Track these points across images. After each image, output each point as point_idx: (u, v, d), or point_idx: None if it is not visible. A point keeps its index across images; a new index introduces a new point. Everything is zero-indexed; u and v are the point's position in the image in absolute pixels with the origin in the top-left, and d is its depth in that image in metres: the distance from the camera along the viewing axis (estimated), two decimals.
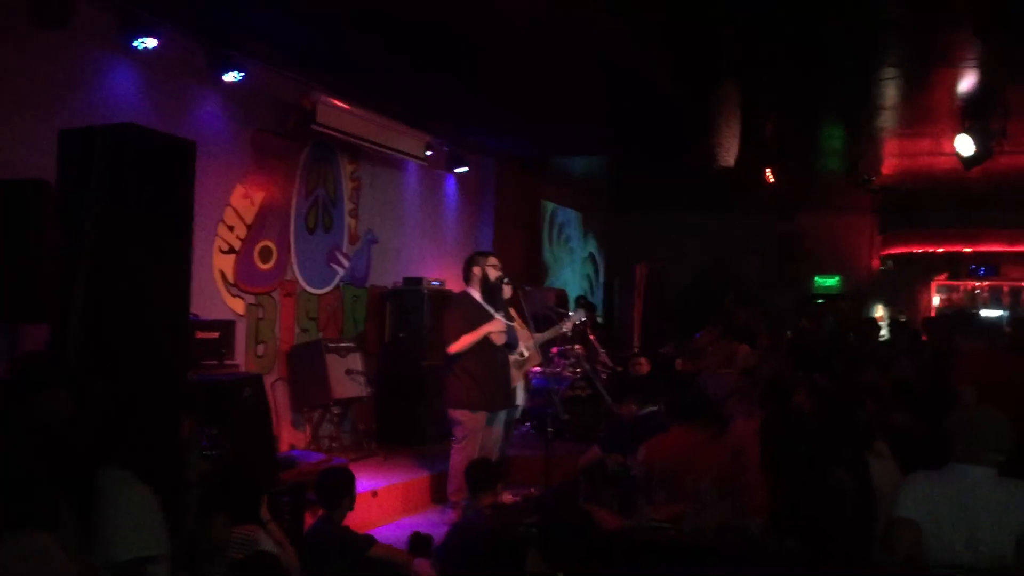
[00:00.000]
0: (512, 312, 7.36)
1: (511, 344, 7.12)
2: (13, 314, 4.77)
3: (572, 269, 15.61)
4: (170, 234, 4.48)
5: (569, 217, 15.43)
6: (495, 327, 6.86)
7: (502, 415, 7.06)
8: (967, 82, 8.05)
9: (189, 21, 6.59)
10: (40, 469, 3.05)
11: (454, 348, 6.75)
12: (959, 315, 8.51)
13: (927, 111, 9.27)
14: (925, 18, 6.43)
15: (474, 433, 6.79)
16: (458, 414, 6.81)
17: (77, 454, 3.34)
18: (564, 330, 7.87)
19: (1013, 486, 3.40)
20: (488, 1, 6.07)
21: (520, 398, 7.40)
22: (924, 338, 10.93)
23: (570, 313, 7.94)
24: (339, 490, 4.96)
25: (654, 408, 6.10)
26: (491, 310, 6.97)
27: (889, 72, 7.82)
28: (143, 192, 4.28)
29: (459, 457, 6.72)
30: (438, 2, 6.11)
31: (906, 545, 3.43)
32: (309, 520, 5.66)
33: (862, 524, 4.16)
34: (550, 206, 14.32)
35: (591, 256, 16.54)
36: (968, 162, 8.60)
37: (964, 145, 8.50)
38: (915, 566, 3.40)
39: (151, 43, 6.16)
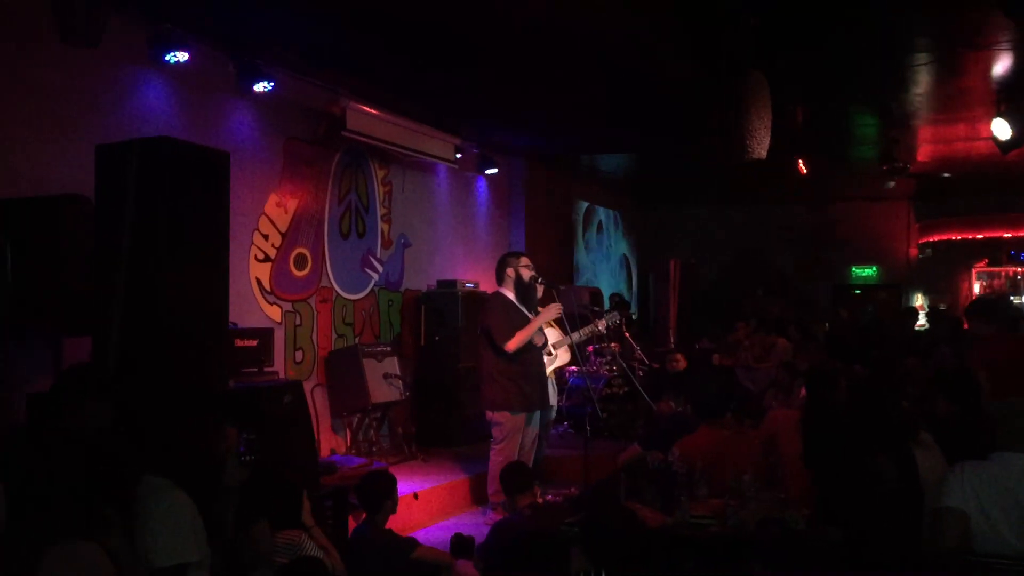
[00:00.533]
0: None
1: (544, 344, 7.13)
2: (55, 327, 4.87)
3: (608, 267, 15.58)
4: (207, 244, 4.54)
5: (605, 215, 15.41)
6: (553, 313, 6.84)
7: (538, 415, 7.06)
8: (1001, 65, 7.92)
9: (218, 34, 6.67)
10: (86, 479, 3.10)
11: (512, 345, 6.75)
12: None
13: (961, 95, 9.13)
14: (954, 1, 6.34)
15: (514, 434, 6.79)
16: (498, 416, 6.82)
17: (120, 463, 3.38)
18: (599, 330, 7.85)
19: None
20: (511, 2, 6.07)
21: (552, 398, 7.39)
22: (966, 326, 10.79)
23: (604, 312, 7.91)
24: (381, 493, 4.99)
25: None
26: (524, 311, 6.98)
27: (921, 57, 7.72)
28: (179, 203, 4.35)
29: (499, 458, 6.73)
30: (461, 4, 6.12)
31: (954, 535, 3.39)
32: (352, 524, 5.70)
33: (908, 514, 4.11)
34: (584, 205, 14.30)
35: (624, 255, 16.50)
36: (1005, 146, 8.47)
37: (1001, 129, 8.37)
38: (964, 556, 3.36)
39: (182, 57, 6.24)
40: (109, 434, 3.62)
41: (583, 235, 14.38)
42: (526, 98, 8.71)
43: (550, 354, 7.28)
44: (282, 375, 7.19)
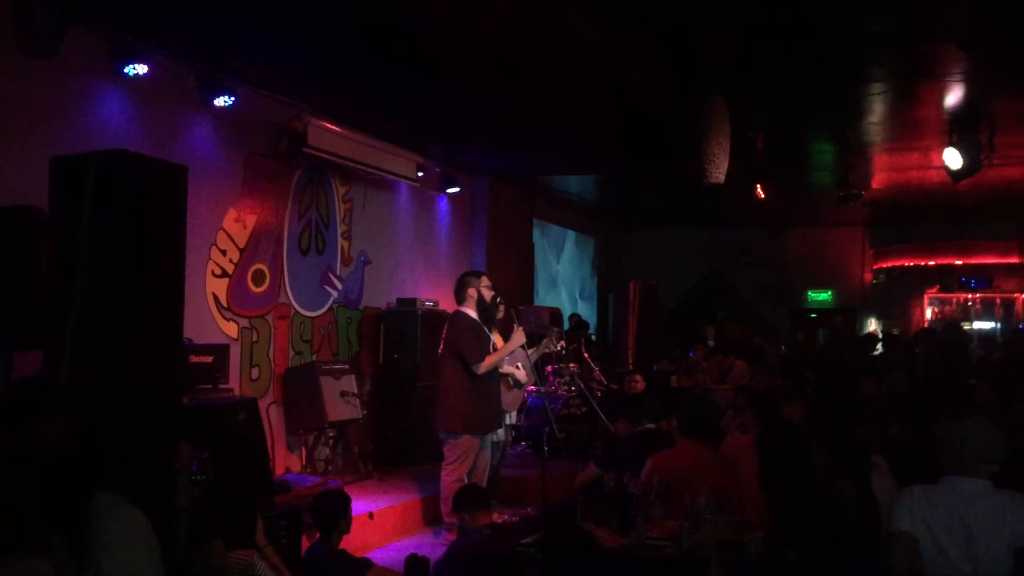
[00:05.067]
0: (497, 334, 7.35)
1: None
2: (6, 341, 4.77)
3: (568, 287, 15.63)
4: (163, 259, 4.50)
5: (566, 236, 15.47)
6: (519, 340, 6.85)
7: (491, 436, 7.05)
8: (954, 96, 8.11)
9: (179, 47, 6.62)
10: (32, 495, 3.04)
11: (484, 368, 6.73)
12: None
13: (915, 125, 9.34)
14: (911, 32, 6.49)
15: (468, 455, 6.76)
16: (452, 437, 6.79)
17: (70, 479, 3.32)
18: (548, 348, 7.88)
19: (1008, 497, 3.40)
20: (478, 23, 6.10)
21: (509, 417, 7.39)
22: (917, 351, 10.98)
23: (554, 330, 7.94)
24: (335, 513, 4.94)
25: (650, 425, 6.09)
26: (486, 331, 6.98)
27: (877, 87, 7.88)
28: (135, 217, 4.30)
29: (451, 479, 6.70)
30: (429, 24, 6.14)
31: (904, 558, 3.43)
32: (306, 544, 5.63)
33: (864, 537, 4.15)
34: (545, 225, 14.35)
35: (585, 273, 16.58)
36: (957, 175, 8.65)
37: (952, 158, 8.55)
38: None
39: (142, 69, 6.18)
40: (59, 450, 3.55)
41: (544, 255, 14.43)
42: (492, 119, 8.75)
43: (521, 380, 7.28)
44: (237, 392, 7.10)
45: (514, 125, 9.01)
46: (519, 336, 6.87)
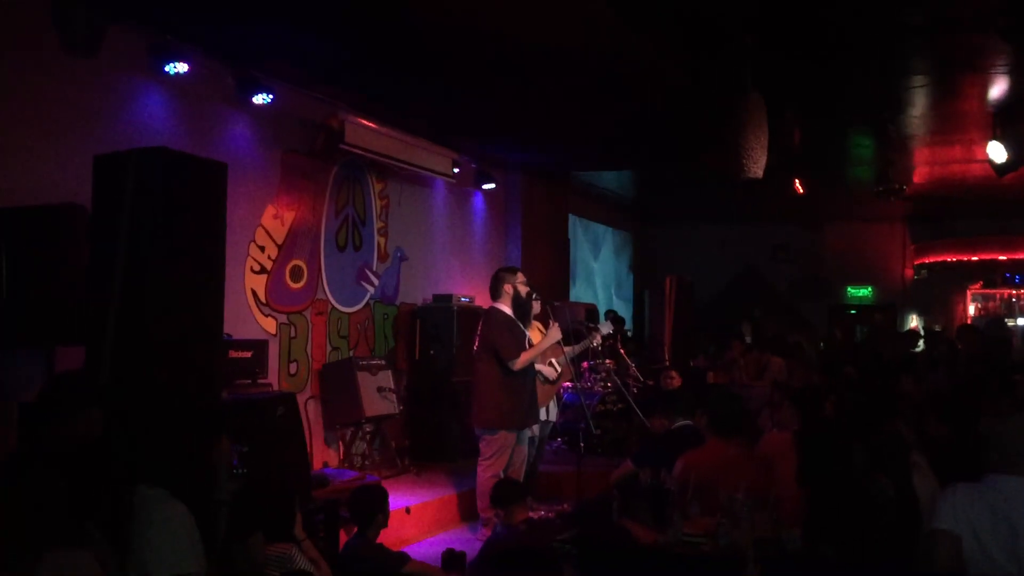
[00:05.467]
0: (539, 327, 7.35)
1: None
2: (48, 337, 4.86)
3: (604, 283, 15.58)
4: (202, 255, 4.53)
5: (602, 232, 15.43)
6: (556, 336, 6.85)
7: (528, 432, 7.04)
8: (997, 88, 7.97)
9: (217, 45, 6.69)
10: (73, 488, 3.09)
11: (520, 364, 6.73)
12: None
13: (958, 118, 9.18)
14: (952, 24, 6.38)
15: (504, 451, 6.77)
16: (488, 433, 6.80)
17: (112, 473, 3.37)
18: (593, 343, 7.85)
19: None
20: (512, 18, 6.10)
21: (552, 413, 7.38)
22: (960, 347, 10.81)
23: (599, 326, 7.91)
24: (372, 507, 4.97)
25: (686, 422, 6.06)
26: (522, 327, 6.98)
27: (918, 79, 7.76)
28: (175, 214, 4.34)
29: (487, 474, 6.71)
30: (463, 21, 6.14)
31: (946, 558, 3.37)
32: (344, 538, 5.67)
33: (904, 535, 4.10)
34: (581, 221, 14.32)
35: (622, 269, 16.52)
36: (1001, 169, 8.51)
37: (996, 152, 8.42)
38: None
39: (182, 68, 6.26)
40: (100, 444, 3.60)
41: (579, 251, 14.39)
42: (526, 114, 8.73)
43: (557, 371, 7.28)
44: (276, 387, 7.17)
45: (547, 120, 8.99)
46: (555, 333, 6.86)
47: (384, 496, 5.08)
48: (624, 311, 15.56)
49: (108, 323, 4.28)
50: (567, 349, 7.26)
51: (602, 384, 9.73)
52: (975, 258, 15.87)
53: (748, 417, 5.75)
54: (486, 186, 10.65)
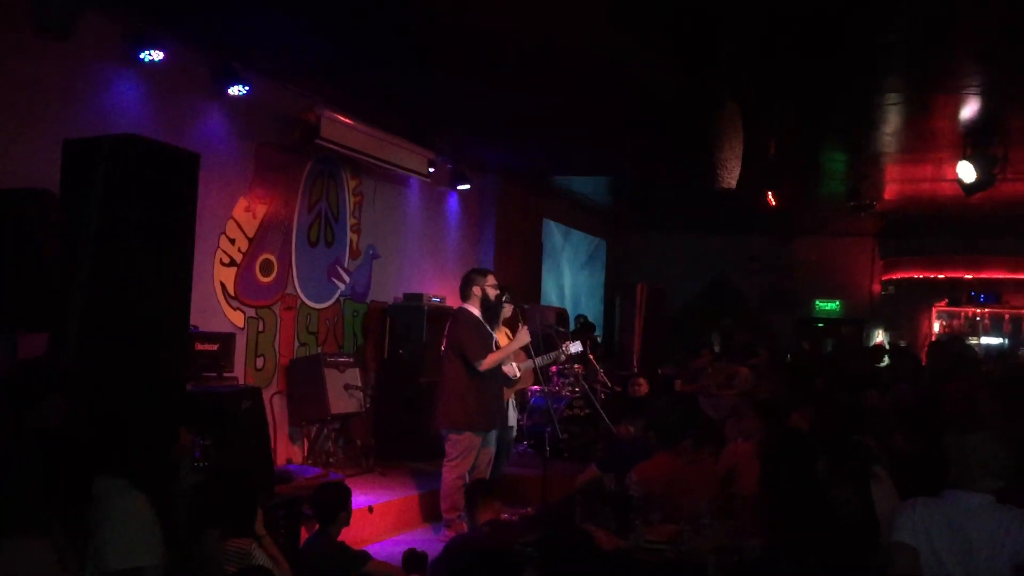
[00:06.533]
0: (506, 332, 7.34)
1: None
2: (13, 321, 4.78)
3: (575, 288, 15.61)
4: (171, 245, 4.50)
5: (575, 237, 15.45)
6: (523, 340, 6.83)
7: (493, 434, 7.04)
8: (969, 109, 8.07)
9: (195, 34, 6.63)
10: (34, 476, 3.05)
11: (486, 365, 6.73)
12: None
13: (930, 136, 9.29)
14: (926, 43, 6.45)
15: (469, 452, 6.76)
16: (454, 433, 6.78)
17: (73, 461, 3.32)
18: (561, 358, 7.86)
19: (1010, 513, 3.37)
20: (494, 19, 6.09)
21: (512, 418, 7.38)
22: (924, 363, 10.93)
23: (570, 341, 7.89)
24: (335, 505, 4.94)
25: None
26: (489, 329, 6.98)
27: (892, 97, 7.84)
28: (145, 203, 4.30)
29: (452, 475, 6.70)
30: (444, 19, 6.13)
31: (904, 569, 3.41)
32: (305, 535, 5.64)
33: (863, 547, 4.14)
34: (555, 226, 14.34)
35: (595, 274, 16.56)
36: (969, 188, 8.60)
37: (966, 171, 8.51)
38: None
39: (157, 56, 6.19)
40: (62, 433, 3.55)
41: (552, 255, 14.41)
42: (503, 116, 8.74)
43: (515, 376, 7.27)
44: (242, 381, 7.11)
45: (525, 122, 9.00)
46: (524, 335, 6.86)
47: (347, 494, 5.05)
48: (595, 317, 15.60)
49: (73, 310, 4.23)
50: (537, 359, 7.23)
51: (570, 389, 9.75)
52: (941, 276, 16.10)
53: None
54: (461, 187, 10.64)
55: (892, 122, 8.76)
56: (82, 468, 3.35)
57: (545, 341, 7.84)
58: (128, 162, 4.28)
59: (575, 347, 7.84)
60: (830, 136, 9.64)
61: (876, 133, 9.13)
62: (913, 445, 5.52)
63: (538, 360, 7.24)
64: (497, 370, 6.96)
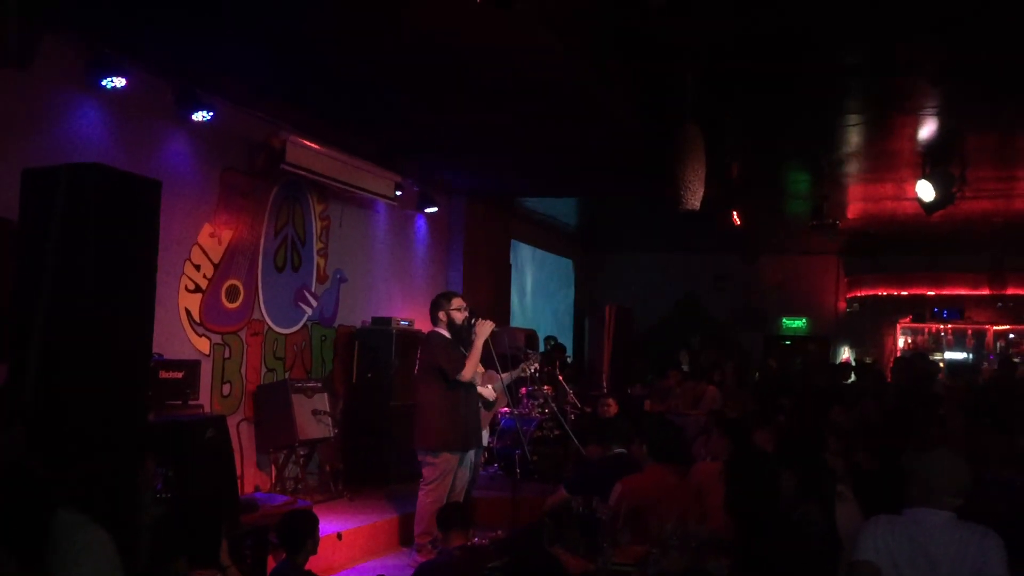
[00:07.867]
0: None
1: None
2: None
3: (544, 309, 15.65)
4: (133, 273, 4.46)
5: (544, 258, 15.51)
6: (486, 333, 6.80)
7: (470, 455, 7.03)
8: (927, 129, 8.23)
9: (157, 60, 6.60)
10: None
11: (467, 374, 6.72)
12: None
13: (889, 156, 9.45)
14: (884, 66, 6.58)
15: (447, 474, 6.73)
16: (431, 455, 6.75)
17: (31, 496, 3.27)
18: (525, 373, 7.88)
19: (971, 530, 3.42)
20: (456, 45, 6.13)
21: (484, 437, 7.38)
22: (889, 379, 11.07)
23: (532, 353, 7.95)
24: (302, 533, 4.89)
25: (621, 450, 6.10)
26: (462, 350, 6.98)
27: (852, 118, 7.98)
28: (105, 231, 4.26)
29: (429, 499, 6.66)
30: (408, 45, 6.16)
31: None
32: (272, 564, 5.58)
33: (827, 566, 4.17)
34: (523, 247, 14.38)
35: (564, 295, 16.61)
36: (929, 207, 8.75)
37: (925, 191, 8.65)
38: None
39: (120, 82, 6.14)
40: (19, 465, 3.50)
41: (521, 277, 14.44)
42: (469, 139, 8.78)
43: (493, 400, 7.27)
44: (208, 408, 7.04)
45: (491, 146, 9.05)
46: (484, 329, 6.82)
47: (314, 521, 5.01)
48: (564, 338, 15.64)
49: (33, 341, 4.18)
50: (504, 376, 7.25)
51: (540, 410, 9.75)
52: (905, 293, 16.33)
53: (684, 444, 5.82)
54: (428, 209, 10.64)
55: (852, 143, 8.91)
56: (41, 502, 3.29)
57: (513, 363, 7.84)
58: (87, 191, 4.25)
59: (534, 366, 7.89)
60: (792, 157, 9.78)
61: (837, 154, 9.27)
62: (876, 463, 5.58)
63: (505, 377, 7.24)
64: (472, 389, 6.94)
